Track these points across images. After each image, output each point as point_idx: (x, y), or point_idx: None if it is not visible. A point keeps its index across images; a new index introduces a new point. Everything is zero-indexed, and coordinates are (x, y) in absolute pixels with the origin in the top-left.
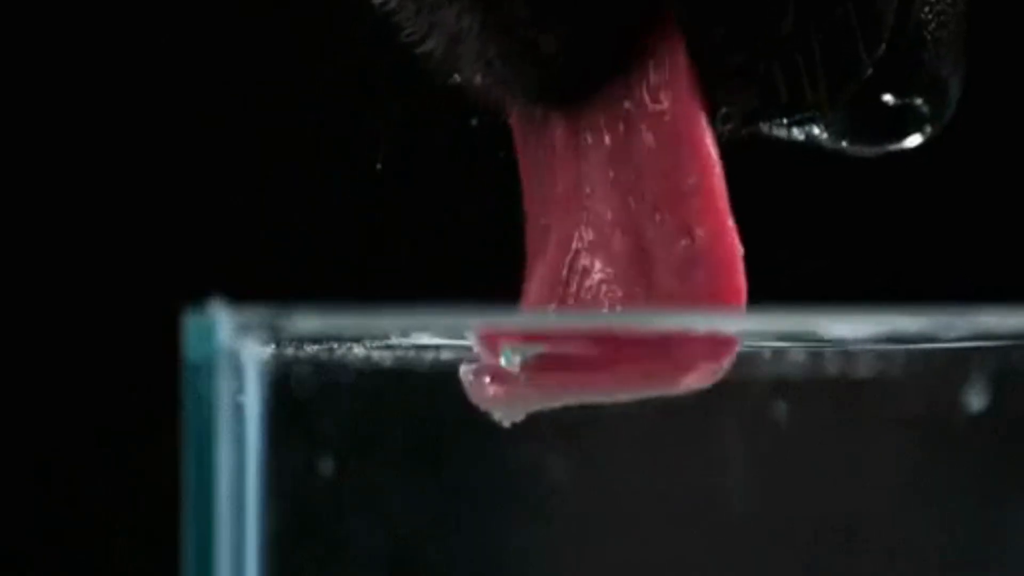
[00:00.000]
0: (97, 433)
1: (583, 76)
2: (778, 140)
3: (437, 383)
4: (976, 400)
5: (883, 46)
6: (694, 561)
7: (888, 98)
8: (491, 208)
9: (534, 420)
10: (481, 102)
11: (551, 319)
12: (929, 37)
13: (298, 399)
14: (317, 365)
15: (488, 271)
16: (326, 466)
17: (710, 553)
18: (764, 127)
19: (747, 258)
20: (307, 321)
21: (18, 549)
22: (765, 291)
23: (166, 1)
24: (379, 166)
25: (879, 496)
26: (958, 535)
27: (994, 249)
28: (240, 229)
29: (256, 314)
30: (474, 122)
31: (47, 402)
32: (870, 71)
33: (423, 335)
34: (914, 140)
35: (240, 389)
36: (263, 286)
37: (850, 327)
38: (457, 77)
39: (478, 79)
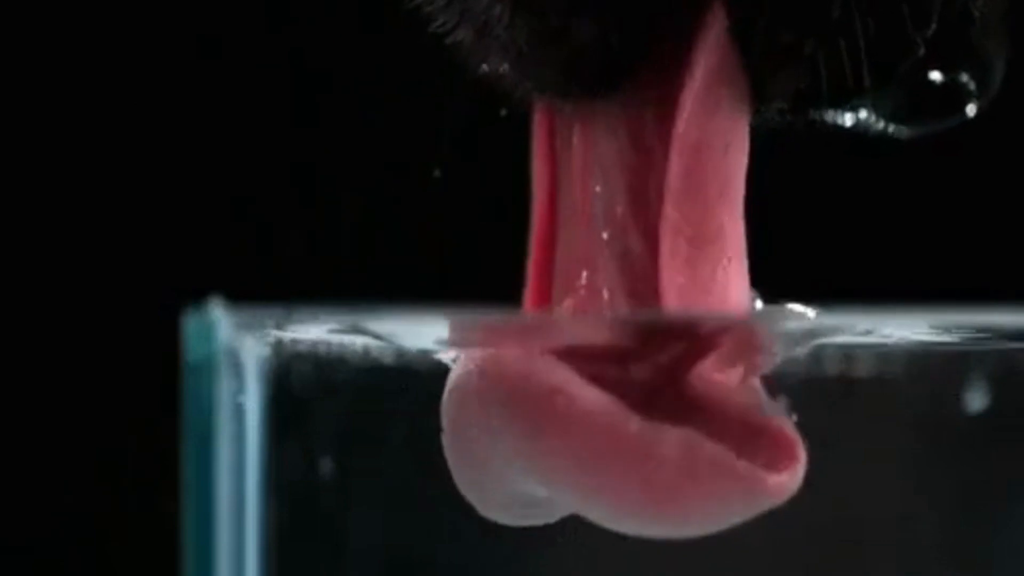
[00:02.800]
0: (96, 433)
1: (617, 65)
2: (779, 138)
3: (437, 382)
4: (976, 400)
5: (933, 25)
6: (694, 561)
7: (935, 75)
8: (494, 208)
9: None
10: (507, 95)
11: (555, 321)
12: (977, 13)
13: (298, 399)
14: (317, 365)
15: (491, 271)
16: (326, 466)
17: (709, 552)
18: (812, 113)
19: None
20: (307, 321)
21: (17, 549)
22: (765, 290)
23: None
24: (437, 172)
25: (879, 496)
26: (958, 535)
27: (994, 249)
28: (240, 229)
29: (256, 314)
30: (503, 112)
31: (46, 402)
32: (921, 51)
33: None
34: (959, 118)
35: (240, 389)
36: (263, 286)
37: (850, 327)
38: (484, 67)
39: (506, 68)
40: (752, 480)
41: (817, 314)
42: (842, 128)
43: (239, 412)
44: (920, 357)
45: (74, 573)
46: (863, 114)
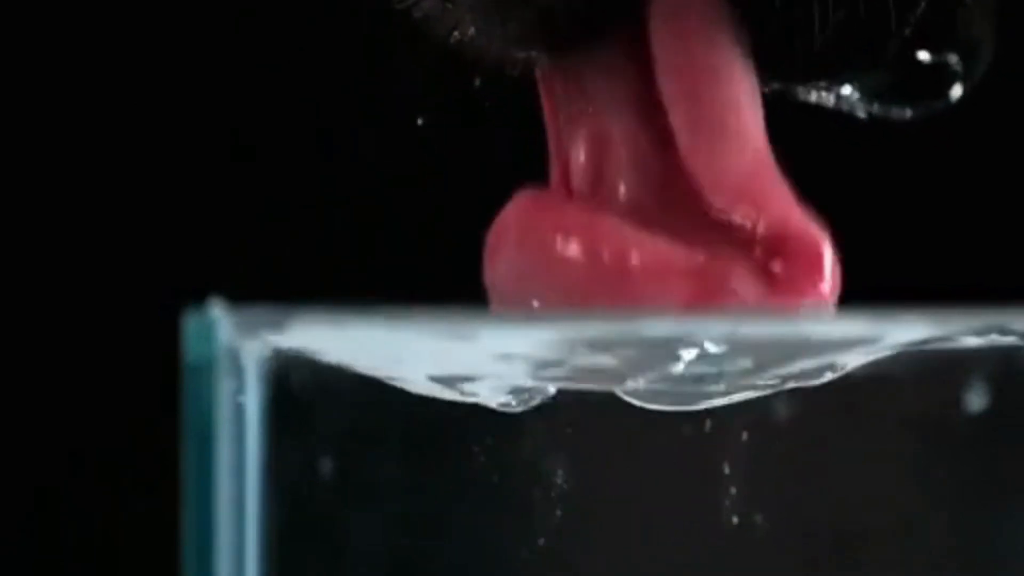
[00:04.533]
0: (96, 433)
1: (586, 19)
2: (783, 136)
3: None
4: (976, 400)
5: (921, 5)
6: (693, 562)
7: (923, 56)
8: (495, 208)
9: (535, 420)
10: (480, 61)
11: (562, 318)
12: None
13: (298, 399)
14: (316, 365)
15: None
16: (326, 466)
17: (709, 554)
18: (797, 90)
19: None
20: (307, 321)
21: (16, 549)
22: None
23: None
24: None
25: (878, 496)
26: (958, 535)
27: (994, 249)
28: (240, 229)
29: (256, 314)
30: (477, 82)
31: (45, 402)
32: (907, 30)
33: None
34: (945, 100)
35: (240, 389)
36: (263, 286)
37: (848, 327)
38: (455, 35)
39: (473, 31)
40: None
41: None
42: (838, 124)
43: (239, 412)
44: (920, 357)
45: (74, 573)
46: (849, 92)
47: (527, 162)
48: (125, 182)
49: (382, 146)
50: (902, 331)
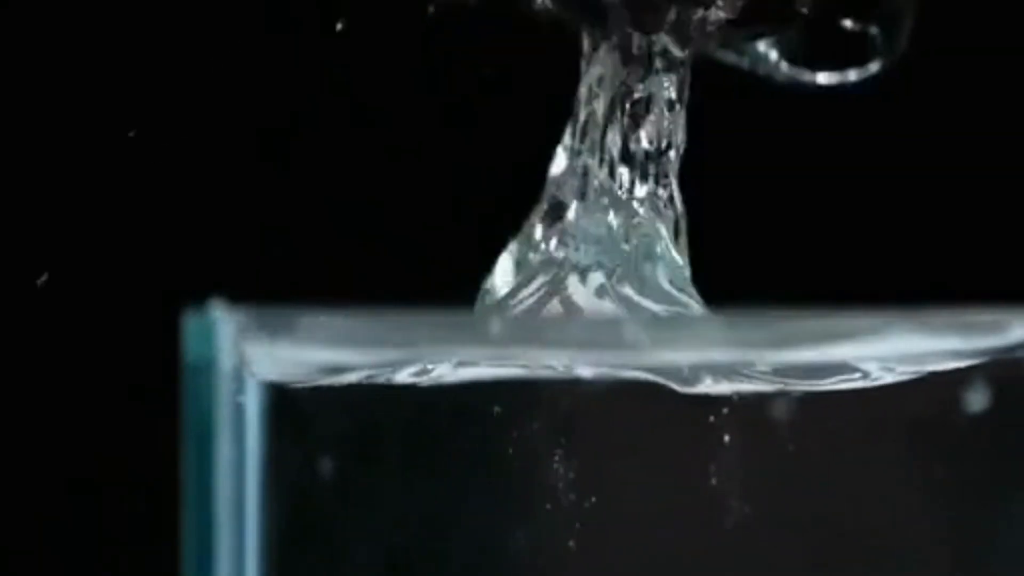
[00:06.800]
0: (96, 433)
1: None
2: (773, 139)
3: (437, 383)
4: (976, 402)
5: None
6: (693, 563)
7: (846, 23)
8: (496, 210)
9: (535, 421)
10: None
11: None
12: None
13: (298, 399)
14: (317, 365)
15: (487, 271)
16: (326, 466)
17: (710, 556)
18: (720, 50)
19: (744, 261)
20: (307, 322)
21: (17, 549)
22: (762, 292)
23: (161, 1)
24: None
25: (879, 497)
26: (958, 535)
27: (994, 249)
28: (240, 229)
29: (256, 314)
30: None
31: (45, 402)
32: None
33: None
34: (864, 72)
35: (240, 389)
36: (263, 286)
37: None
38: None
39: None
40: None
41: (819, 316)
42: (844, 128)
43: (239, 412)
44: (919, 358)
45: (74, 573)
46: (765, 51)
47: (527, 163)
48: (125, 182)
49: (383, 146)
50: (902, 332)
